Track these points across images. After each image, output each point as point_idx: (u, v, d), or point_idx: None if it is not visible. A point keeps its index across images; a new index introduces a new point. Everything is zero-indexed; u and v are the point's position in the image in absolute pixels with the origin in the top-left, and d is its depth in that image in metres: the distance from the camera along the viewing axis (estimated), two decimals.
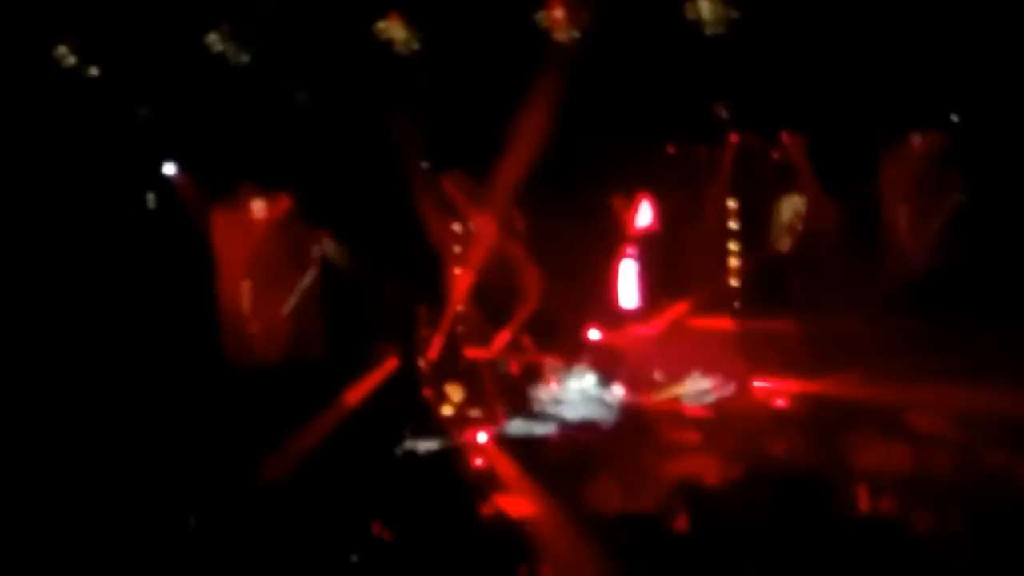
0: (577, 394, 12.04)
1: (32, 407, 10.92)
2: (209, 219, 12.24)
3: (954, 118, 11.13)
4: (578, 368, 12.13)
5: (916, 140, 11.43)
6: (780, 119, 11.45)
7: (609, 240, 12.28)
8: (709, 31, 10.24)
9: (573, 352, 12.20)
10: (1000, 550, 7.76)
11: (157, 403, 11.28)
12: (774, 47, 10.62)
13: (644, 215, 12.19)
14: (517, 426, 11.83)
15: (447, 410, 12.14)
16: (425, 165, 12.21)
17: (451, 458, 11.34)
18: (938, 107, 10.99)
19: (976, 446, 10.13)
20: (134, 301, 11.97)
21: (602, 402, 11.99)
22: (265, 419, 11.21)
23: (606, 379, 12.11)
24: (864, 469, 10.11)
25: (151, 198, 12.45)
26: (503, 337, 12.28)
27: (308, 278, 12.43)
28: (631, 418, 11.76)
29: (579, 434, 11.62)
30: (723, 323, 12.11)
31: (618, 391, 12.04)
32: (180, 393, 11.41)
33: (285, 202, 12.40)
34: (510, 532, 9.25)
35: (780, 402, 11.60)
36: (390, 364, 12.07)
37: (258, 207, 12.41)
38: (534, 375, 12.24)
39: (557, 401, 12.04)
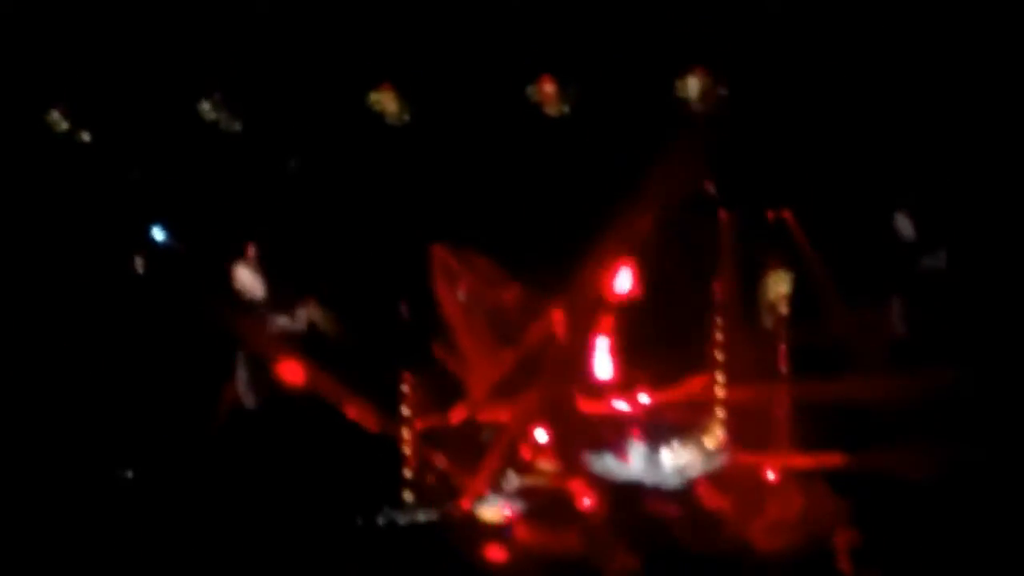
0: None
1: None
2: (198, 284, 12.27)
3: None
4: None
5: None
6: (769, 196, 11.57)
7: (590, 309, 12.28)
8: (698, 108, 10.43)
9: (557, 423, 12.18)
10: None
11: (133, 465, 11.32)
12: (763, 124, 10.80)
13: (624, 283, 12.18)
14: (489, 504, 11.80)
15: (431, 478, 12.09)
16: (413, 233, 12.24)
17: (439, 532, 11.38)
18: (927, 184, 11.15)
19: None
20: (122, 363, 11.97)
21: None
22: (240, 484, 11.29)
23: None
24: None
25: (140, 262, 12.44)
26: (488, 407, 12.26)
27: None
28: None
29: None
30: (707, 396, 12.14)
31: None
32: (155, 451, 11.42)
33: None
34: None
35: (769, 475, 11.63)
36: (367, 427, 12.03)
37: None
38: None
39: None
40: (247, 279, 12.27)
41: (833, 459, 11.24)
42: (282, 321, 12.28)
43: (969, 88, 10.52)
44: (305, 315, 12.22)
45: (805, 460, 11.48)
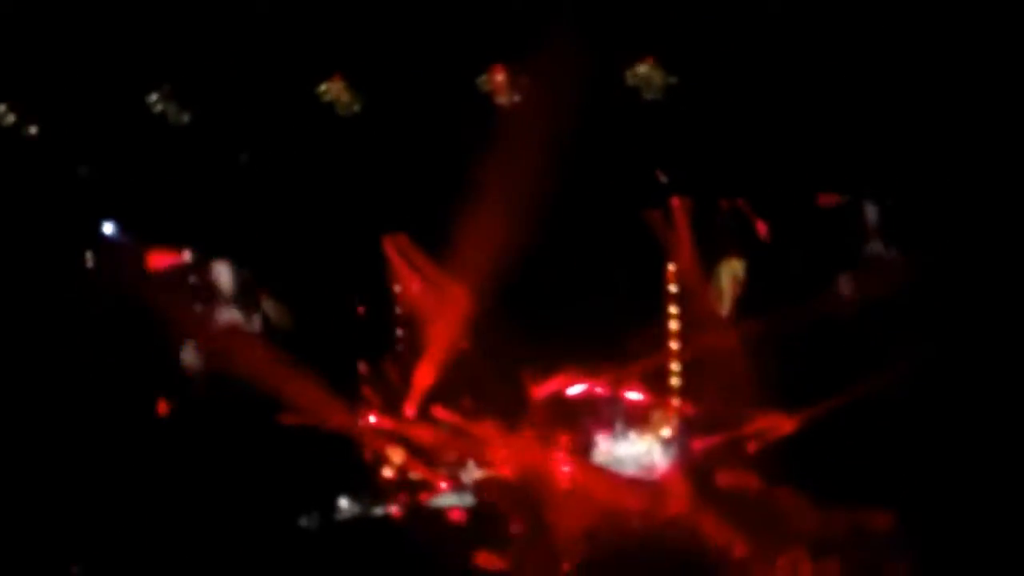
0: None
1: None
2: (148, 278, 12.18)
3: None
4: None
5: None
6: (720, 183, 11.56)
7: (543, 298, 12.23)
8: (648, 96, 10.42)
9: (513, 414, 12.14)
10: None
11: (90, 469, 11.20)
12: (714, 111, 10.79)
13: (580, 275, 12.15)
14: (446, 497, 11.75)
15: (387, 472, 12.05)
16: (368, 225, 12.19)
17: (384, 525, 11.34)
18: (881, 173, 11.17)
19: None
20: (72, 360, 11.86)
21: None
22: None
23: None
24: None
25: (90, 257, 12.32)
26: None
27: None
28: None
29: None
30: (663, 382, 12.14)
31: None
32: (112, 458, 11.32)
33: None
34: None
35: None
36: (322, 420, 11.96)
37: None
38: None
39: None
40: (224, 278, 12.23)
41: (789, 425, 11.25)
42: (238, 317, 12.22)
43: (926, 76, 10.52)
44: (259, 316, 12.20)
45: (762, 441, 11.50)
